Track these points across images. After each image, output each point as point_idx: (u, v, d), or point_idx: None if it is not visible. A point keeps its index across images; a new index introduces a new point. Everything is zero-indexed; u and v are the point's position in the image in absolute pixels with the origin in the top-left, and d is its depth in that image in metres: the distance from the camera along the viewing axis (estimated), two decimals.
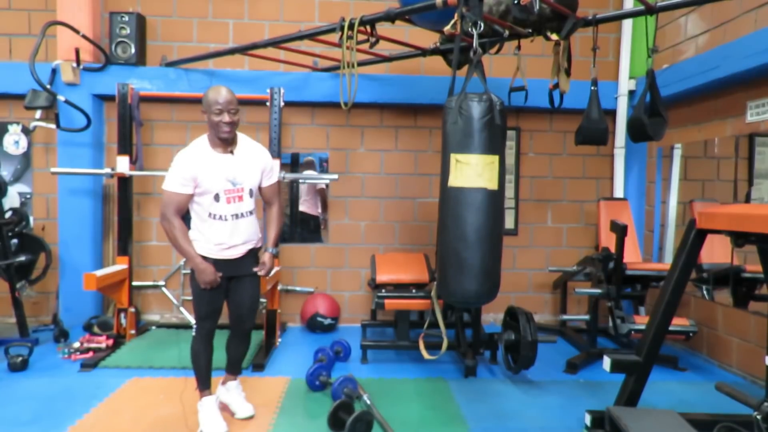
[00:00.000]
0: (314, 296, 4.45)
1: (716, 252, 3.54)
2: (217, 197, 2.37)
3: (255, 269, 2.55)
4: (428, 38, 3.78)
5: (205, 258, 2.42)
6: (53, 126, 4.05)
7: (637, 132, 3.23)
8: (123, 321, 3.84)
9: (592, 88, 3.35)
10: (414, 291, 3.56)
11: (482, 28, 2.49)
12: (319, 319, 4.30)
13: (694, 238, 2.37)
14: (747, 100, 3.43)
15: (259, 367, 3.36)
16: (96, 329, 3.91)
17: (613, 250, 3.49)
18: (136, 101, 3.95)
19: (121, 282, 3.79)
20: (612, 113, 4.46)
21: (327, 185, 4.60)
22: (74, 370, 3.31)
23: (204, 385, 2.55)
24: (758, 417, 2.02)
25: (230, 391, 2.68)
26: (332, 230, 4.63)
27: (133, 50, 4.25)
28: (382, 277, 3.70)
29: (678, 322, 3.35)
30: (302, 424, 2.59)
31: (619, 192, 4.55)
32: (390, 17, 2.93)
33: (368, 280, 3.98)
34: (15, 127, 4.42)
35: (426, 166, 4.64)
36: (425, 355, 3.29)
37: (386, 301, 3.47)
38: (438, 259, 2.76)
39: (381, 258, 3.96)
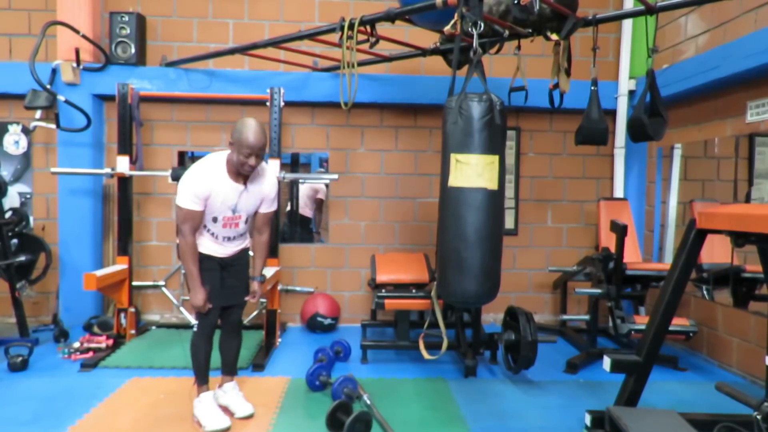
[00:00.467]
0: (314, 296, 4.45)
1: (716, 252, 3.54)
2: (215, 219, 2.44)
3: (246, 298, 2.67)
4: (428, 38, 3.78)
5: (205, 255, 2.50)
6: (53, 126, 4.05)
7: (637, 132, 3.22)
8: (123, 321, 3.84)
9: (592, 88, 3.35)
10: (414, 291, 3.56)
11: (482, 28, 2.49)
12: (319, 319, 4.30)
13: (694, 238, 2.37)
14: (747, 100, 3.43)
15: (259, 367, 3.36)
16: (96, 329, 3.91)
17: (613, 250, 3.49)
18: (136, 101, 3.95)
19: (121, 282, 3.79)
20: (612, 113, 4.46)
21: (327, 185, 4.60)
22: (74, 370, 3.30)
23: (202, 380, 2.59)
24: (758, 417, 2.02)
25: (228, 393, 2.69)
26: (332, 230, 4.63)
27: (133, 50, 4.25)
28: (382, 277, 3.70)
29: (678, 322, 3.35)
30: (302, 424, 2.59)
31: (619, 192, 4.55)
32: (390, 17, 2.93)
33: (368, 280, 3.97)
34: (15, 127, 4.42)
35: (426, 166, 4.64)
36: (425, 355, 3.29)
37: (386, 301, 3.47)
38: (438, 259, 2.76)
39: (381, 258, 3.96)
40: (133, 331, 3.90)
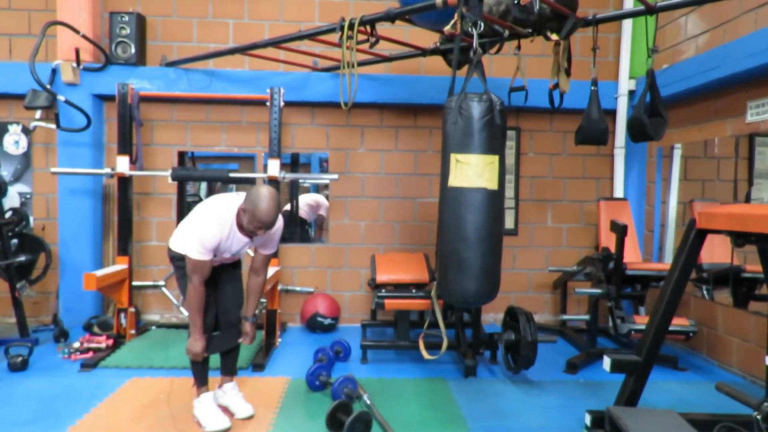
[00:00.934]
0: (314, 296, 4.45)
1: (716, 252, 3.54)
2: (214, 255, 2.44)
3: (240, 340, 2.66)
4: (428, 38, 3.78)
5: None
6: (53, 126, 4.05)
7: (637, 132, 3.23)
8: (123, 321, 3.84)
9: (592, 88, 3.35)
10: (414, 291, 3.56)
11: (482, 28, 2.49)
12: (319, 319, 4.30)
13: (694, 238, 2.37)
14: (747, 100, 3.43)
15: (259, 367, 3.36)
16: (96, 329, 3.91)
17: (613, 250, 3.49)
18: (136, 101, 3.95)
19: (121, 282, 3.79)
20: (612, 113, 4.46)
21: (326, 186, 4.60)
22: (74, 370, 3.30)
23: (201, 381, 2.58)
24: (758, 417, 2.02)
25: (227, 393, 2.68)
26: (332, 230, 4.63)
27: (133, 50, 4.25)
28: (382, 277, 3.70)
29: (678, 322, 3.35)
30: (302, 424, 2.59)
31: (619, 192, 4.55)
32: (390, 17, 2.93)
33: (368, 280, 3.97)
34: (15, 127, 4.42)
35: (426, 166, 4.64)
36: (425, 355, 3.29)
37: (386, 301, 3.47)
38: (438, 259, 2.76)
39: (381, 258, 3.96)
40: (133, 331, 3.90)
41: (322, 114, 4.57)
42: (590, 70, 3.30)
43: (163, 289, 4.48)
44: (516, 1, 2.74)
